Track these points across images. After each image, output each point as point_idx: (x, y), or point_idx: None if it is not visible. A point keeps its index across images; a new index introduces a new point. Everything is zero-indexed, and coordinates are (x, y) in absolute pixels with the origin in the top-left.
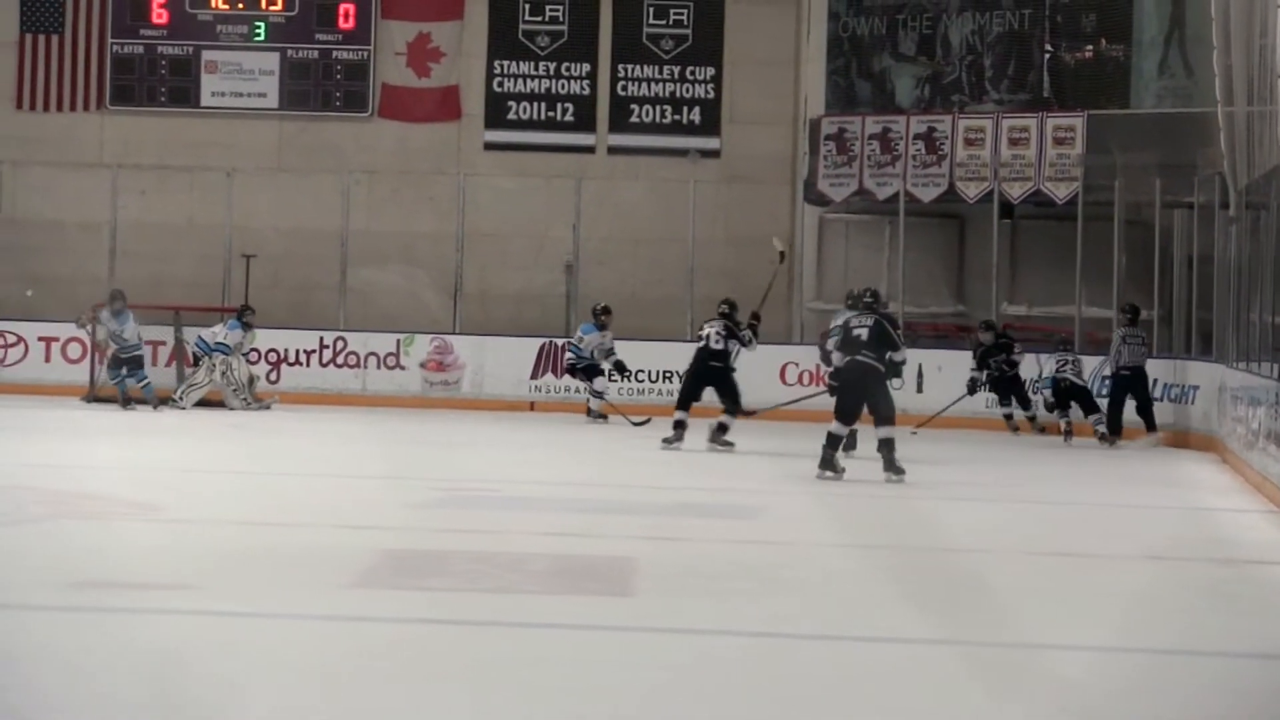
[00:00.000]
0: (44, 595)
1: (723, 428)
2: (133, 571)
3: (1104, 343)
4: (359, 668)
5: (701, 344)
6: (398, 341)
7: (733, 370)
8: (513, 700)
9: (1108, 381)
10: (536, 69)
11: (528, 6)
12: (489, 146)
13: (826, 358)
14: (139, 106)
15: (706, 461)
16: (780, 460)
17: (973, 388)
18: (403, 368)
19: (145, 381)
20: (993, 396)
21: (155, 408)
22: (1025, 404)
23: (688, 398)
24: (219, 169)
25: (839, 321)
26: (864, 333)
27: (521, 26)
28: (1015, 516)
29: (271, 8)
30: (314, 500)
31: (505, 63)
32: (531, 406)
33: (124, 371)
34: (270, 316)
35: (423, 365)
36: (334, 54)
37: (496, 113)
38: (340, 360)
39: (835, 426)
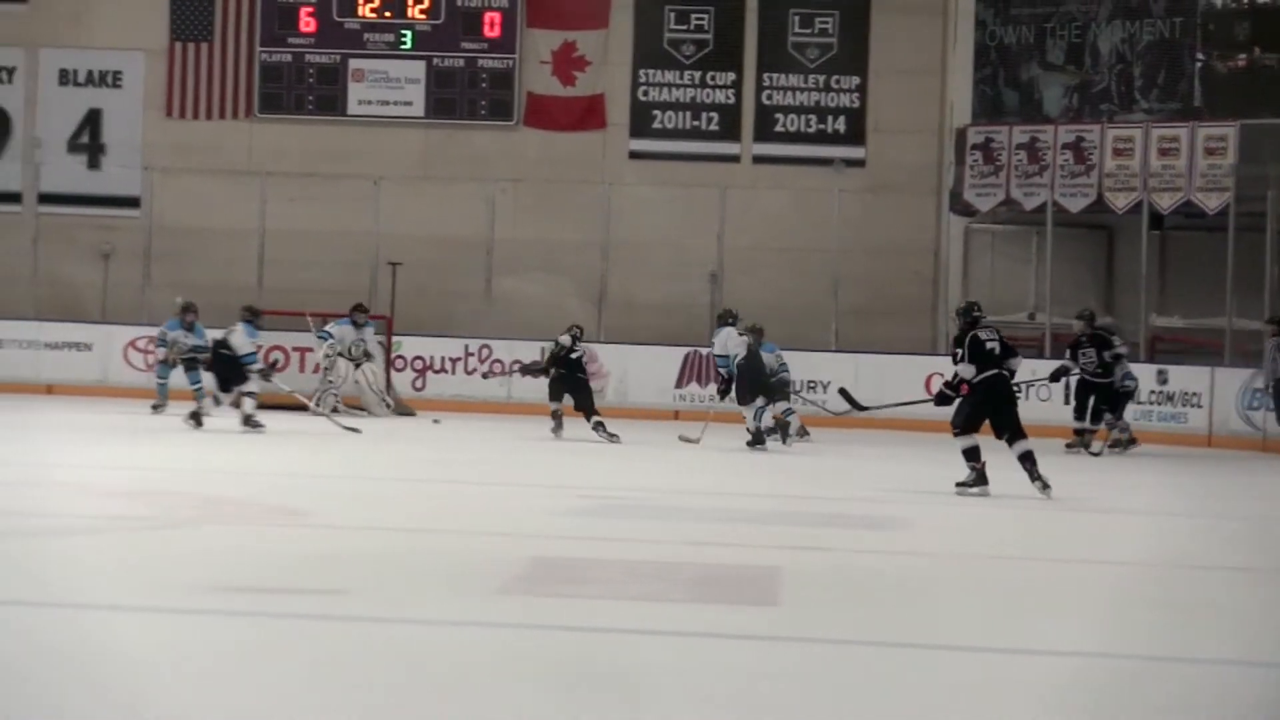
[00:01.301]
0: (195, 599)
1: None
2: (283, 577)
3: (1253, 355)
4: (506, 674)
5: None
6: (542, 350)
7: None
8: (660, 708)
9: (1259, 395)
10: (681, 78)
11: (673, 15)
12: (634, 155)
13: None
14: (286, 115)
15: (851, 471)
16: (915, 470)
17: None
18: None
19: (198, 385)
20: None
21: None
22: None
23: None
24: (365, 177)
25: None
26: (996, 346)
27: (666, 35)
28: (1172, 529)
29: (418, 16)
30: (463, 507)
31: (650, 71)
32: (676, 415)
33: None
34: (416, 324)
35: None
36: (479, 62)
37: (641, 122)
38: (486, 368)
39: (968, 440)
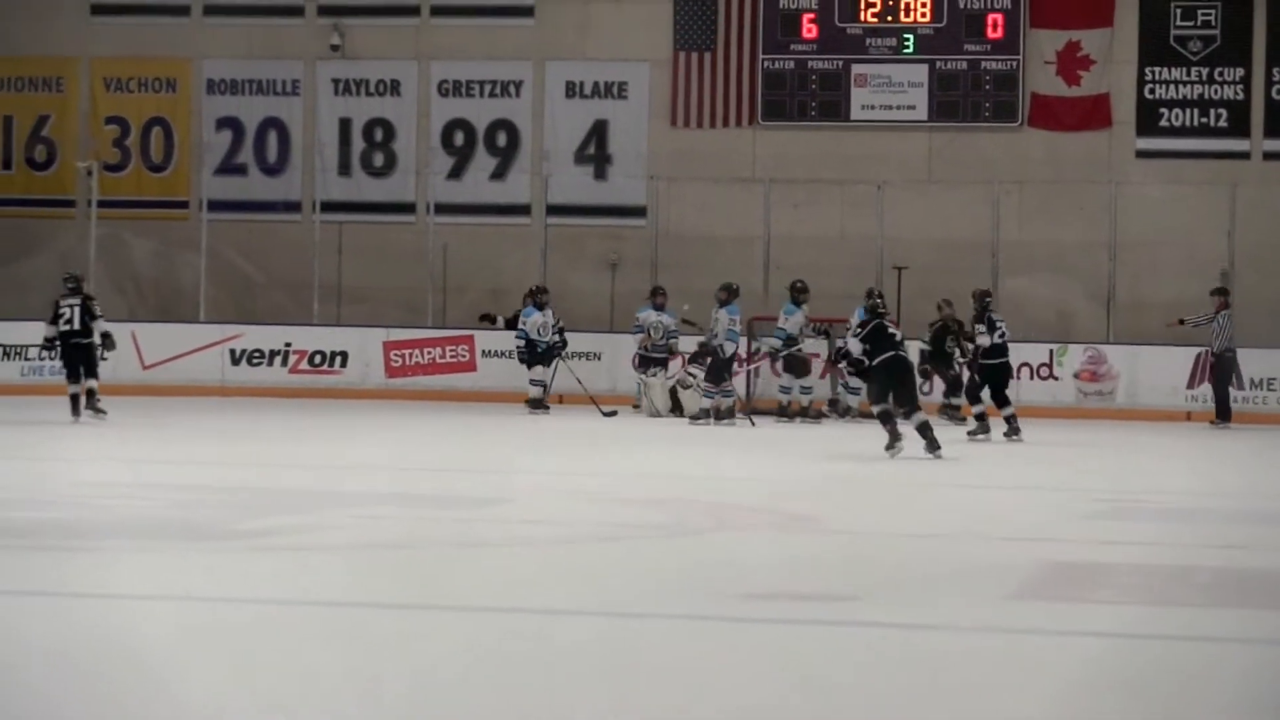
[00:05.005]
0: (712, 606)
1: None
2: (795, 582)
3: None
4: (1019, 681)
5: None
6: (1050, 351)
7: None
8: (1189, 715)
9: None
10: (1188, 74)
11: (1179, 11)
12: (1140, 154)
13: None
14: (790, 121)
15: None
16: None
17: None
18: (1055, 378)
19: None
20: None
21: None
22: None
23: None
24: (869, 182)
25: None
26: (897, 333)
27: (1173, 32)
28: None
29: (920, 20)
30: (973, 511)
31: (1156, 69)
32: (1188, 416)
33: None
34: (918, 329)
35: (1076, 375)
36: (983, 64)
37: (1148, 120)
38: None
39: (881, 408)
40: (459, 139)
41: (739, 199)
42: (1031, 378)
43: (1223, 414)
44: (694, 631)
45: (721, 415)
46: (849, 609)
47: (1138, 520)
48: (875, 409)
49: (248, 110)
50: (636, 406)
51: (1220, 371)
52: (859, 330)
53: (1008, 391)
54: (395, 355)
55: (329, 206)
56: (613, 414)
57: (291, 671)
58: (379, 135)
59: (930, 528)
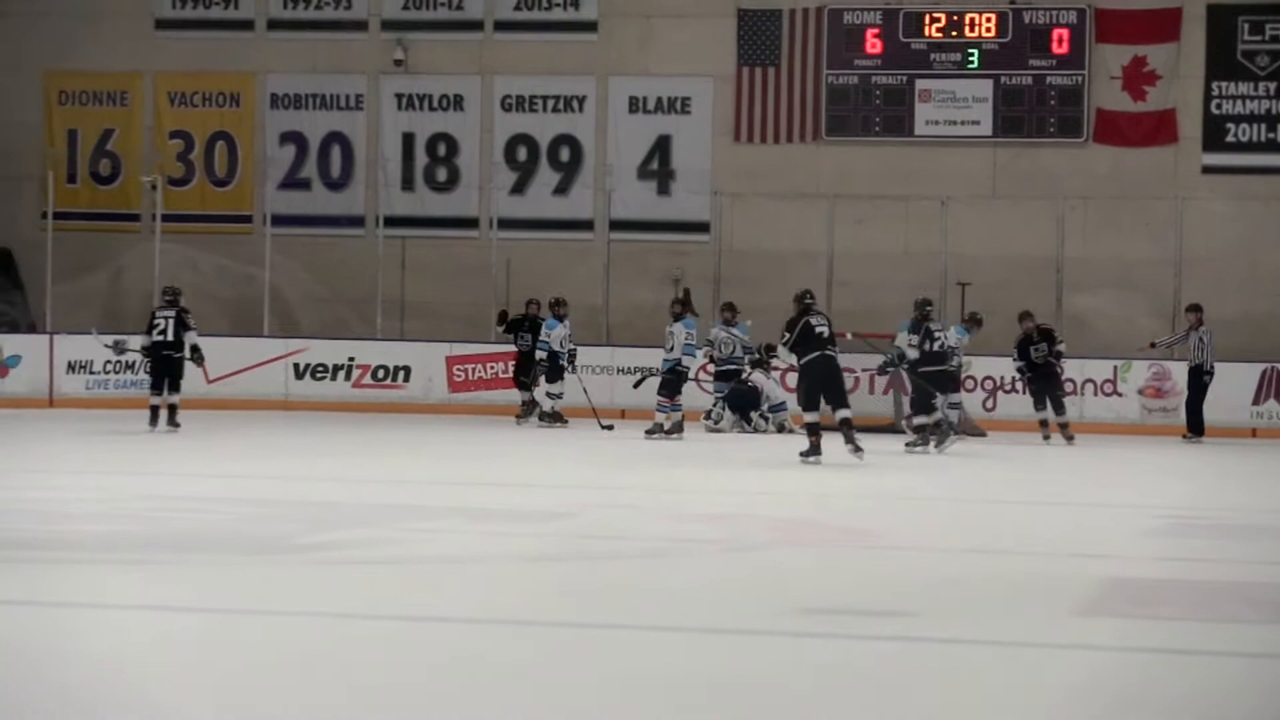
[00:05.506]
0: (771, 622)
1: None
2: (854, 598)
3: None
4: (1081, 698)
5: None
6: (1115, 368)
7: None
8: None
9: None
10: (1255, 89)
11: (1247, 26)
12: (1206, 170)
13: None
14: (854, 137)
15: None
16: None
17: None
18: (1120, 394)
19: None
20: None
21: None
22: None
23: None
24: (932, 197)
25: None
26: (825, 330)
27: (1240, 46)
28: None
29: (985, 35)
30: (1037, 528)
31: (1223, 84)
32: (1253, 433)
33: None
34: (984, 343)
35: (1140, 392)
36: (1048, 79)
37: (1214, 135)
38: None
39: (813, 415)
40: (522, 154)
41: (802, 214)
42: (1096, 394)
43: (1195, 428)
44: (751, 646)
45: (671, 430)
46: (907, 624)
47: (1198, 537)
48: (805, 417)
49: (311, 125)
50: (710, 420)
51: (1192, 387)
52: (785, 335)
53: (955, 399)
54: (458, 370)
55: (392, 221)
56: (610, 428)
57: (349, 685)
58: (442, 150)
59: (990, 543)
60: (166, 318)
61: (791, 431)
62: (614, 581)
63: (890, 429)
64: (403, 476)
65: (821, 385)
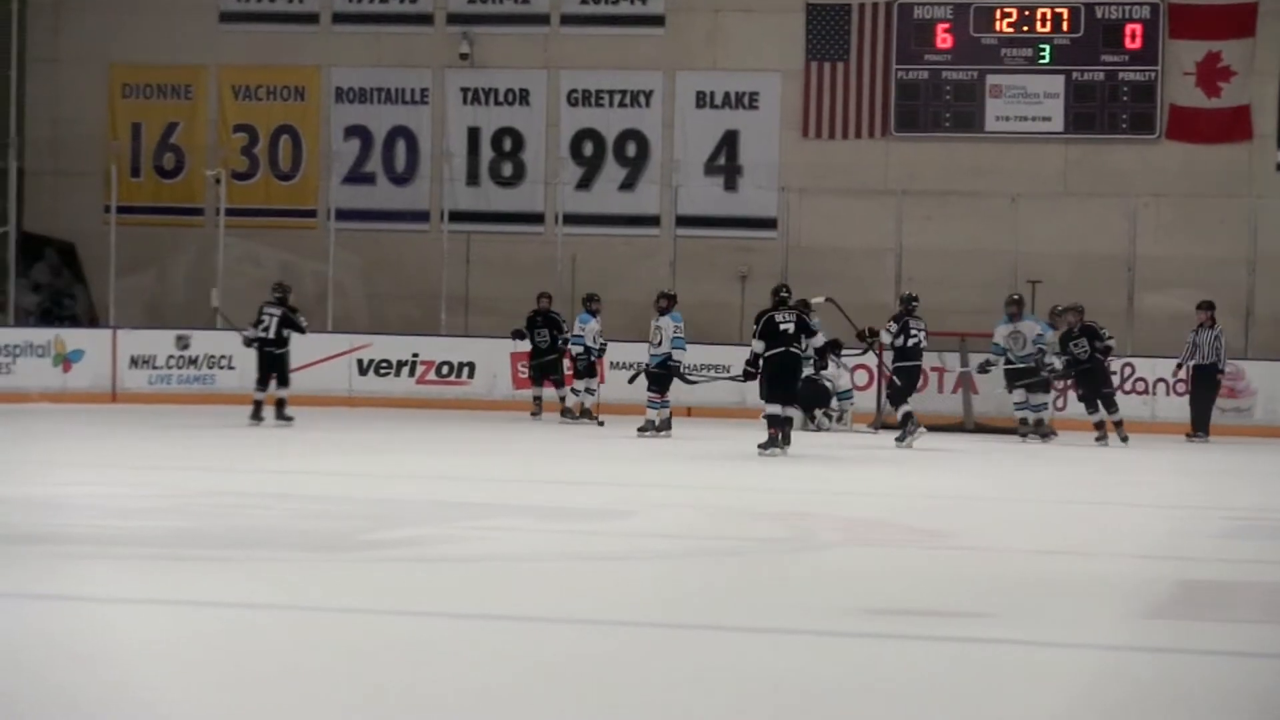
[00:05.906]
0: (838, 622)
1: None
2: (922, 599)
3: None
4: (1155, 701)
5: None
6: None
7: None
8: None
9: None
10: None
11: None
12: None
13: None
14: (923, 132)
15: None
16: None
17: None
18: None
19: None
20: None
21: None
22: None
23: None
24: (1002, 194)
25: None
26: (791, 327)
27: None
28: None
29: (1057, 30)
30: (1110, 528)
31: None
32: None
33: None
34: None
35: None
36: (1120, 75)
37: None
38: (1128, 386)
39: (773, 408)
40: (588, 149)
41: (871, 211)
42: (1168, 394)
43: (1200, 426)
44: (816, 647)
45: (661, 427)
46: (975, 625)
47: (1271, 539)
48: (766, 409)
49: (376, 119)
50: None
51: (1203, 385)
52: (755, 328)
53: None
54: (522, 366)
55: (457, 216)
56: (600, 424)
57: (408, 683)
58: (508, 145)
59: (1060, 544)
60: (271, 315)
61: (850, 427)
62: (672, 581)
63: (959, 428)
64: (465, 473)
65: (778, 379)
